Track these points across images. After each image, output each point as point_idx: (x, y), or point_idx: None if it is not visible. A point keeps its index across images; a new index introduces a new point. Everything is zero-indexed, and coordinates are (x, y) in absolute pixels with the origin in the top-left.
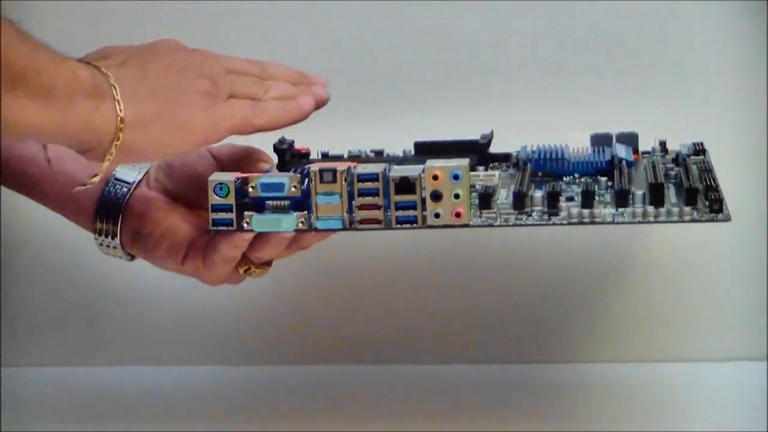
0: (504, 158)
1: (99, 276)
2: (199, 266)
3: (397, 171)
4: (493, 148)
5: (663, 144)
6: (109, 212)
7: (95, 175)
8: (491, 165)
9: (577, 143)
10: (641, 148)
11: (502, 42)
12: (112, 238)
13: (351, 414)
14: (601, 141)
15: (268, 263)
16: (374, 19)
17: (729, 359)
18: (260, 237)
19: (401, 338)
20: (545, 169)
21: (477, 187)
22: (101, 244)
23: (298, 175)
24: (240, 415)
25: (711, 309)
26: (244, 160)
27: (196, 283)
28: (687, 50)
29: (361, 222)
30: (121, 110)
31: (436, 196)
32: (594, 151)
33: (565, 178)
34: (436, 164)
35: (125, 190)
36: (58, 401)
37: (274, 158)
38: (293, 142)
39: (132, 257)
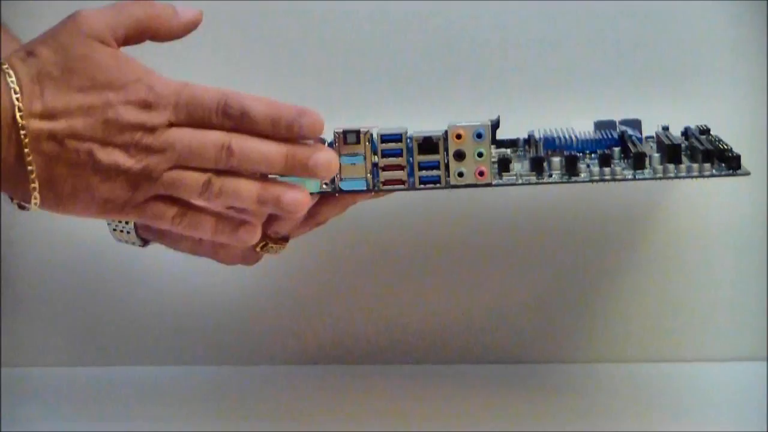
0: (511, 143)
1: (99, 276)
2: (215, 244)
3: (421, 132)
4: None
5: (666, 129)
6: None
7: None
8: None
9: (581, 128)
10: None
11: (501, 42)
12: (126, 223)
13: (351, 414)
14: (604, 127)
15: (285, 239)
16: (376, 15)
17: (729, 359)
18: None
19: (401, 338)
20: (555, 147)
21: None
22: (114, 230)
23: (322, 138)
24: (240, 415)
25: (711, 309)
26: None
27: (196, 283)
28: (686, 51)
29: (385, 183)
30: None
31: (460, 155)
32: (601, 132)
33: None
34: (459, 124)
35: None
36: (58, 401)
37: None
38: None
39: (145, 243)
